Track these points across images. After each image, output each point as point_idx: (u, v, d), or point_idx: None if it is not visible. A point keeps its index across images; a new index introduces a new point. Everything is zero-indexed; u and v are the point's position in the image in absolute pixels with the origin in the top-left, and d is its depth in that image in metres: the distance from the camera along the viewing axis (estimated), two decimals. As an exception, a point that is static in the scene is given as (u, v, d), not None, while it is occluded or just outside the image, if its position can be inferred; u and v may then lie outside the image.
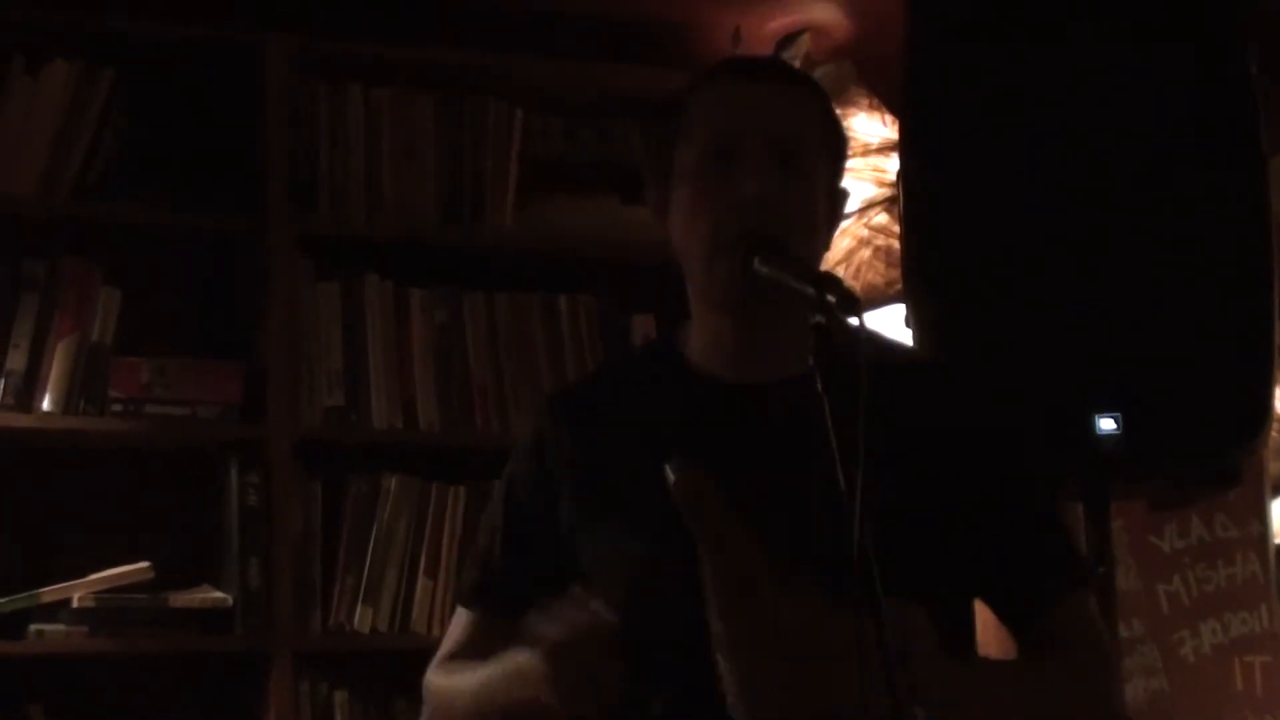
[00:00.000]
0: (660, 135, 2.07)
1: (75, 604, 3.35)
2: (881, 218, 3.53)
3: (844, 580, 1.64)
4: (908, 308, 2.75)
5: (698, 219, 1.98)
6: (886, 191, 3.55)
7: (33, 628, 3.34)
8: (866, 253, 3.52)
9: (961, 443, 2.00)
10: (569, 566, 2.05)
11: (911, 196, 2.77)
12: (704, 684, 1.80)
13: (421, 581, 3.58)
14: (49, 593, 3.36)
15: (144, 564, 3.42)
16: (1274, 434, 3.01)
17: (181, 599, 3.44)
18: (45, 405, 3.39)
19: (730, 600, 1.79)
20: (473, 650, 2.11)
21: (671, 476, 1.80)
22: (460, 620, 2.18)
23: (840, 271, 3.47)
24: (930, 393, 2.03)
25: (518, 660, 1.93)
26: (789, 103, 2.03)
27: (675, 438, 1.99)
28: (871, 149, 3.59)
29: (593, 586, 1.95)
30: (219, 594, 3.46)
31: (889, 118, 3.64)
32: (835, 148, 2.07)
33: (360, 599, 3.54)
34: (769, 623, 1.77)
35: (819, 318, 1.74)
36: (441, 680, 2.14)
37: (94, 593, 3.36)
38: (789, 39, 3.88)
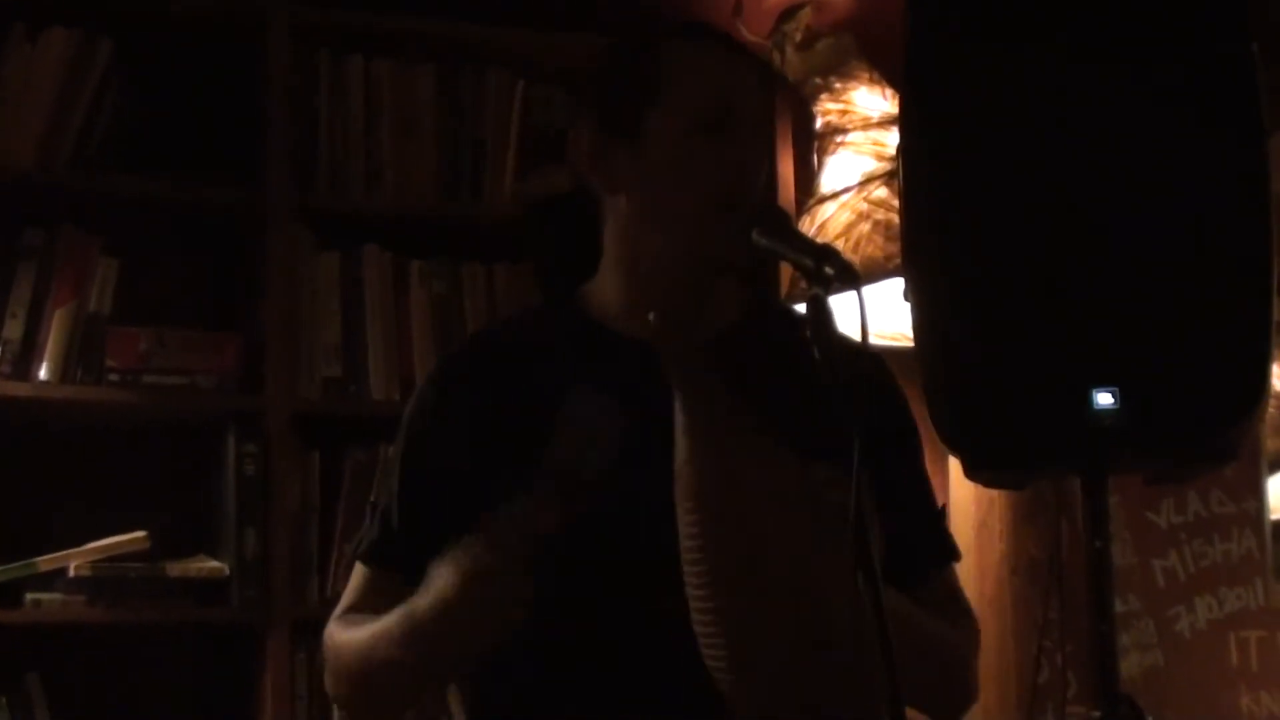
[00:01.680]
0: (623, 91, 2.10)
1: (72, 573, 3.35)
2: (881, 192, 3.51)
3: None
4: (906, 282, 2.75)
5: (688, 180, 2.04)
6: (886, 166, 3.53)
7: (29, 596, 3.35)
8: (866, 227, 3.51)
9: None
10: (471, 519, 2.04)
11: (911, 171, 2.76)
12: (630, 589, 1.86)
13: (418, 553, 3.58)
14: (46, 561, 3.36)
15: (140, 533, 3.42)
16: (1272, 410, 3.01)
17: (178, 568, 3.44)
18: (42, 374, 3.39)
19: (705, 443, 1.82)
20: (370, 606, 2.11)
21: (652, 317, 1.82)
22: (359, 575, 2.17)
23: (839, 245, 3.46)
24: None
25: (415, 605, 1.97)
26: (763, 81, 2.17)
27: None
28: (872, 123, 3.57)
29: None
30: (216, 564, 3.47)
31: (889, 92, 3.63)
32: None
33: (357, 570, 3.55)
34: (740, 471, 1.82)
35: (816, 289, 1.77)
36: (340, 633, 2.13)
37: (91, 562, 3.37)
38: (790, 12, 3.86)
